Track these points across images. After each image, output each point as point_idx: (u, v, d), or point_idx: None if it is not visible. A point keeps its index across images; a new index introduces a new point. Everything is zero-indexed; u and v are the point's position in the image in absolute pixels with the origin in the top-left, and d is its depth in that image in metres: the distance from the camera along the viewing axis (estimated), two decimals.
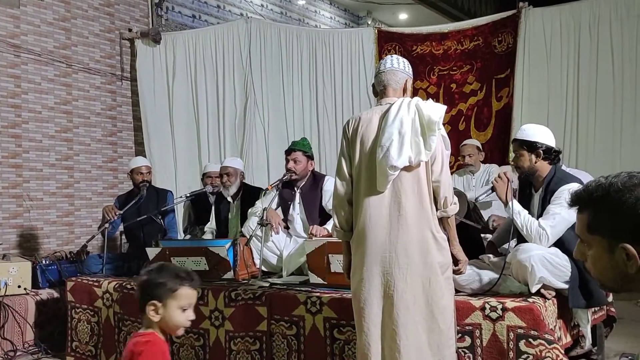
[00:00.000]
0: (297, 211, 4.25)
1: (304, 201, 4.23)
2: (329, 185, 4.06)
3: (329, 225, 3.97)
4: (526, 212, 3.17)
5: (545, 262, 2.95)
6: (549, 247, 3.09)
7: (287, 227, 4.29)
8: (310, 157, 4.29)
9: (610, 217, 1.32)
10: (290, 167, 4.18)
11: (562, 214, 3.02)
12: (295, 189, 4.26)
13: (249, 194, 4.62)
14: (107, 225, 4.58)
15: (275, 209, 4.18)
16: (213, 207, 4.87)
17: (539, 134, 3.22)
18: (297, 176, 4.20)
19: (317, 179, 4.26)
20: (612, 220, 1.31)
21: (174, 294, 1.96)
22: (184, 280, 1.98)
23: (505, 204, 3.20)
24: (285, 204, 4.28)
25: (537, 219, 3.18)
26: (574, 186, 3.05)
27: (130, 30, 6.69)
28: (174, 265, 2.22)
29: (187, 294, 1.98)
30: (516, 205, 3.19)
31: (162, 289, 1.95)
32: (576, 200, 1.36)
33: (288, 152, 4.26)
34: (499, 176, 3.28)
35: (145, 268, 2.05)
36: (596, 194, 1.32)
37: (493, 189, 3.33)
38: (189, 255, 3.97)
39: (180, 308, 1.97)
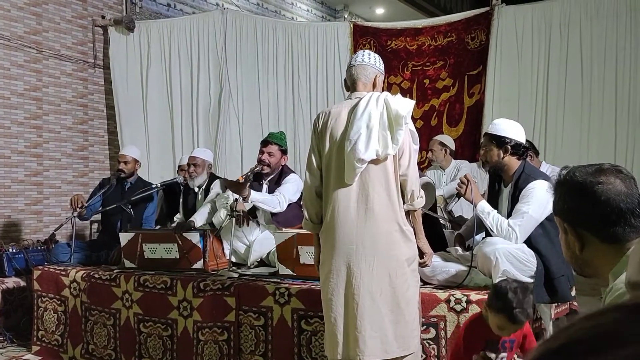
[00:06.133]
0: None
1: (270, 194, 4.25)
2: (290, 178, 4.17)
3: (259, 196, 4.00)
4: (495, 212, 3.21)
5: (509, 256, 3.00)
6: None
7: (254, 217, 4.31)
8: (284, 152, 4.29)
9: (564, 199, 1.44)
10: (264, 159, 4.17)
11: (529, 213, 3.07)
12: (263, 181, 4.27)
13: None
14: (75, 214, 4.53)
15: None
16: (181, 199, 4.86)
17: (510, 129, 3.25)
18: (269, 169, 4.20)
19: (283, 174, 4.26)
20: (565, 202, 1.43)
21: None
22: None
23: (474, 204, 3.24)
24: None
25: (507, 214, 3.23)
26: (541, 183, 3.11)
27: (103, 17, 6.60)
28: None
29: None
30: (485, 206, 3.23)
31: None
32: (553, 186, 1.49)
33: (264, 144, 4.24)
34: (462, 181, 3.32)
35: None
36: (560, 179, 1.45)
37: (459, 195, 3.37)
38: (161, 242, 3.97)
39: None
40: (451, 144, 5.17)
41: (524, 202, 3.11)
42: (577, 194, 1.38)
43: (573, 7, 5.33)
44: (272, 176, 4.25)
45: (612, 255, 1.39)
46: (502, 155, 3.23)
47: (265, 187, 4.26)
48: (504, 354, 2.43)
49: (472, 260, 3.20)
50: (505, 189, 3.35)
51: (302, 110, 6.60)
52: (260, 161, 4.19)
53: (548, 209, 3.18)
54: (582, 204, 1.37)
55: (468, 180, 3.28)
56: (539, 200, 3.08)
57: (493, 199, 3.33)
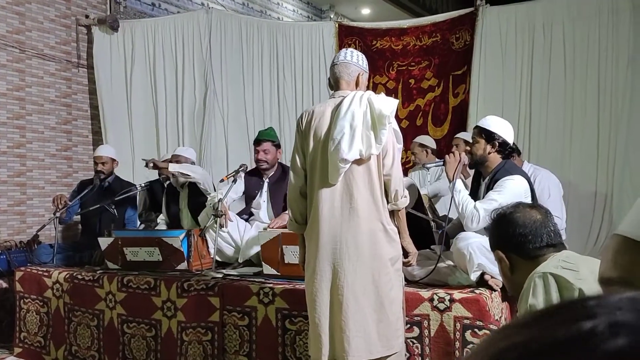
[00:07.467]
0: (263, 199, 4.29)
1: (271, 191, 4.28)
2: None
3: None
4: (466, 192, 3.24)
5: (483, 250, 2.97)
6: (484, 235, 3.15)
7: (249, 216, 4.32)
8: (278, 146, 4.35)
9: (493, 231, 1.80)
10: (262, 158, 4.23)
11: (498, 201, 3.05)
12: (264, 178, 4.30)
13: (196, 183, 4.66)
14: (57, 214, 4.49)
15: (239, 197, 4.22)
16: (164, 200, 4.86)
17: (500, 127, 3.27)
18: (268, 166, 4.24)
19: (285, 170, 4.29)
20: (494, 233, 1.79)
21: None
22: None
23: (450, 180, 3.24)
24: (251, 193, 4.31)
25: None
26: (517, 177, 3.13)
27: (87, 16, 6.54)
28: None
29: None
30: (458, 184, 3.24)
31: None
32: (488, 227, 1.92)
33: (257, 143, 4.28)
34: (453, 152, 3.33)
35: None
36: (491, 218, 1.83)
37: (444, 163, 3.37)
38: (142, 246, 3.94)
39: None
40: (431, 144, 5.19)
41: (496, 191, 3.10)
42: (502, 223, 1.76)
43: (556, 7, 5.37)
44: (273, 173, 4.28)
45: (533, 269, 1.65)
46: (488, 150, 3.23)
47: (266, 184, 4.28)
48: None
49: (439, 258, 3.20)
50: (483, 182, 3.37)
51: (287, 109, 6.59)
52: (257, 161, 4.26)
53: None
54: (506, 229, 1.72)
55: (460, 159, 3.28)
56: (511, 192, 3.06)
57: (472, 195, 3.35)
